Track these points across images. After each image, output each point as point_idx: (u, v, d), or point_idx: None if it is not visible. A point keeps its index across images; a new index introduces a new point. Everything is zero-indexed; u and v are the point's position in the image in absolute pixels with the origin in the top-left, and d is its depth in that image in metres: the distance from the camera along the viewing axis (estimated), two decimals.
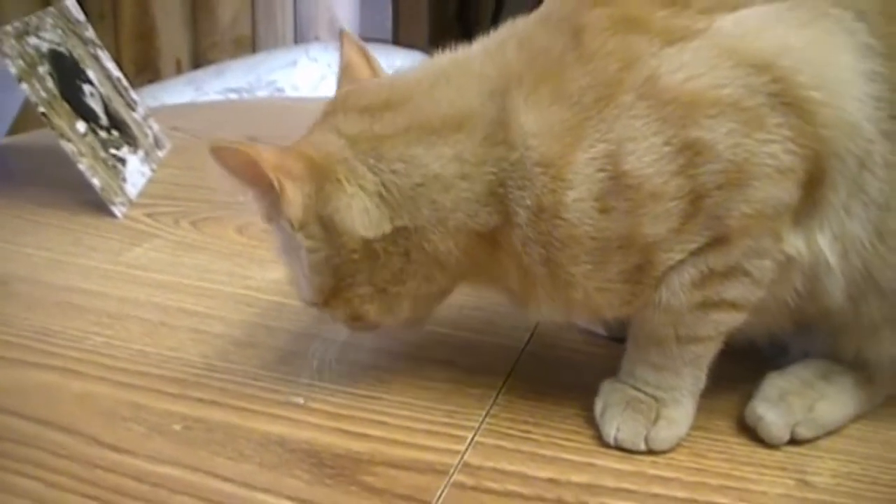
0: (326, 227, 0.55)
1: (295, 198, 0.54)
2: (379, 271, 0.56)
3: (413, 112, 0.55)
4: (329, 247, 0.55)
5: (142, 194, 0.94)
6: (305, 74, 2.21)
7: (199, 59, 2.51)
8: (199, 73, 2.33)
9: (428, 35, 2.65)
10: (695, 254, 0.52)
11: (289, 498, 0.52)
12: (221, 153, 0.54)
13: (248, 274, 0.77)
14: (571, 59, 0.52)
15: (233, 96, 2.18)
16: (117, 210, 0.90)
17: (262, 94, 2.18)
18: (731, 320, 0.55)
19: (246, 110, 1.35)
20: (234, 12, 2.54)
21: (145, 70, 2.53)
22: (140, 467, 0.55)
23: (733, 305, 0.54)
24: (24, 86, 0.87)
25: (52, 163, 0.95)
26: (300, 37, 2.49)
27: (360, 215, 0.54)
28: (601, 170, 0.50)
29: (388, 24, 2.48)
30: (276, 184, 0.53)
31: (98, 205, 0.90)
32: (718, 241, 0.52)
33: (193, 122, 1.20)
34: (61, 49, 0.97)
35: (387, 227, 0.55)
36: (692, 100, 0.49)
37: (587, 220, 0.51)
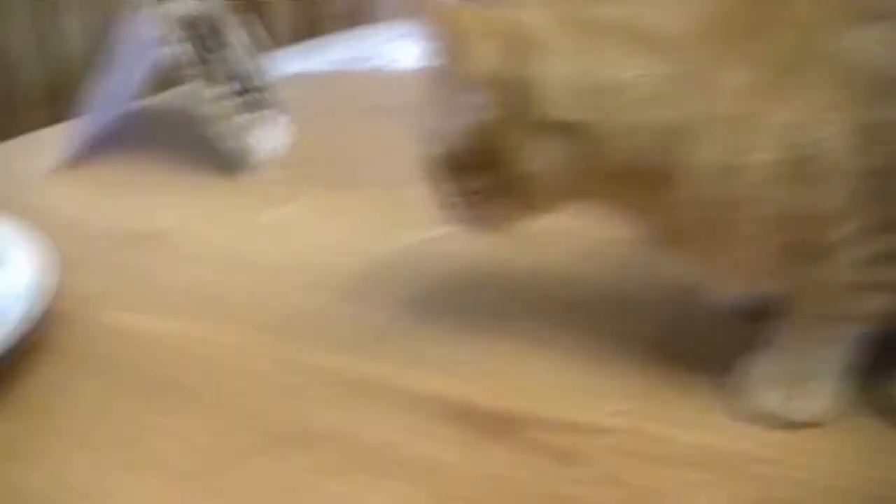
0: (510, 91, 0.53)
1: (482, 53, 0.53)
2: (539, 157, 0.54)
3: (621, 12, 0.53)
4: (502, 111, 0.53)
5: (274, 158, 0.95)
6: (412, 48, 2.22)
7: (312, 31, 2.52)
8: (305, 46, 2.35)
9: None
10: (869, 233, 0.51)
11: (443, 454, 0.53)
12: (428, 13, 0.53)
13: (390, 238, 0.78)
14: (783, 19, 0.51)
15: (338, 68, 2.20)
16: (251, 172, 0.92)
17: (366, 66, 2.20)
18: (889, 302, 0.53)
19: (370, 81, 1.36)
20: None
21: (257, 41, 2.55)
22: (300, 419, 0.56)
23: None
24: (164, 49, 0.90)
25: (189, 125, 0.97)
26: (411, 13, 2.49)
27: (556, 93, 0.52)
28: (789, 136, 0.49)
29: None
30: (463, 36, 0.53)
31: (233, 167, 0.92)
32: None
33: (317, 91, 1.21)
34: (198, 13, 0.99)
35: (575, 116, 0.53)
36: (880, 79, 0.48)
37: (765, 185, 0.50)
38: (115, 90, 1.00)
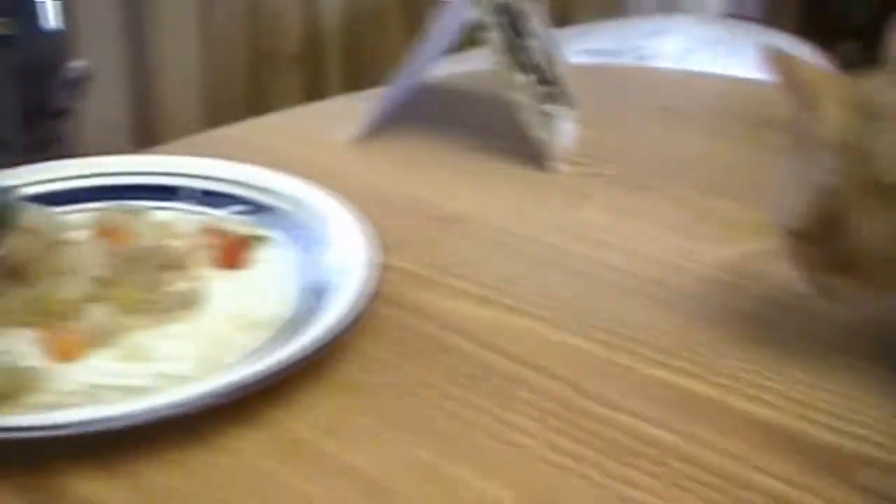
0: (855, 155, 0.54)
1: (829, 113, 0.55)
2: (883, 229, 0.55)
3: None
4: (852, 173, 0.55)
5: (572, 153, 0.95)
6: (671, 45, 2.19)
7: (562, 19, 2.52)
8: (564, 32, 2.34)
9: (798, 16, 2.56)
10: None
11: (782, 481, 0.52)
12: (772, 59, 0.56)
13: (698, 249, 0.77)
14: None
15: (596, 58, 2.19)
16: (555, 166, 0.92)
17: (626, 58, 2.18)
18: None
19: (660, 79, 1.34)
20: None
21: None
22: (633, 426, 0.56)
23: None
24: (487, 35, 0.90)
25: (486, 109, 0.98)
26: (665, 5, 2.47)
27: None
28: None
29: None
30: (810, 95, 0.55)
31: (535, 158, 0.92)
32: None
33: (605, 83, 1.21)
34: (506, 1, 0.99)
35: None
36: None
37: None
38: (421, 61, 1.02)
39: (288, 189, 0.75)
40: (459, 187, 0.88)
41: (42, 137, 1.04)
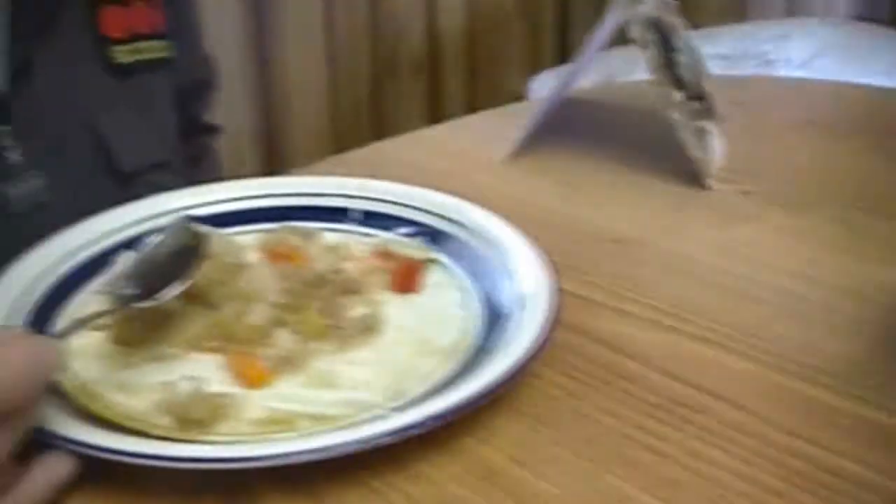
0: None
1: None
2: None
3: None
4: None
5: (725, 170, 0.95)
6: (798, 49, 2.15)
7: (687, 23, 2.49)
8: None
9: None
10: None
11: None
12: None
13: (864, 271, 0.76)
14: None
15: (721, 63, 2.16)
16: (710, 183, 0.91)
17: (750, 64, 2.16)
18: None
19: (799, 90, 1.33)
20: None
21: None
22: (817, 456, 0.55)
23: None
24: (644, 52, 0.90)
25: (632, 123, 0.98)
26: (791, 9, 2.43)
27: None
28: None
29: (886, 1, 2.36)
30: None
31: (690, 176, 0.92)
32: None
33: (748, 95, 1.19)
34: (658, 16, 0.99)
35: None
36: None
37: None
38: (569, 82, 1.03)
39: (453, 210, 0.76)
40: (618, 206, 0.88)
41: (195, 154, 1.07)
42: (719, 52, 2.23)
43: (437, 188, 0.80)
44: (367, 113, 2.34)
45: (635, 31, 0.91)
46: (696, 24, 2.41)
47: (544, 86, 2.24)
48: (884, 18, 2.32)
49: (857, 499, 0.52)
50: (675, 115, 0.91)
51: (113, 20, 0.89)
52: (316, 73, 2.25)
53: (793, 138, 1.05)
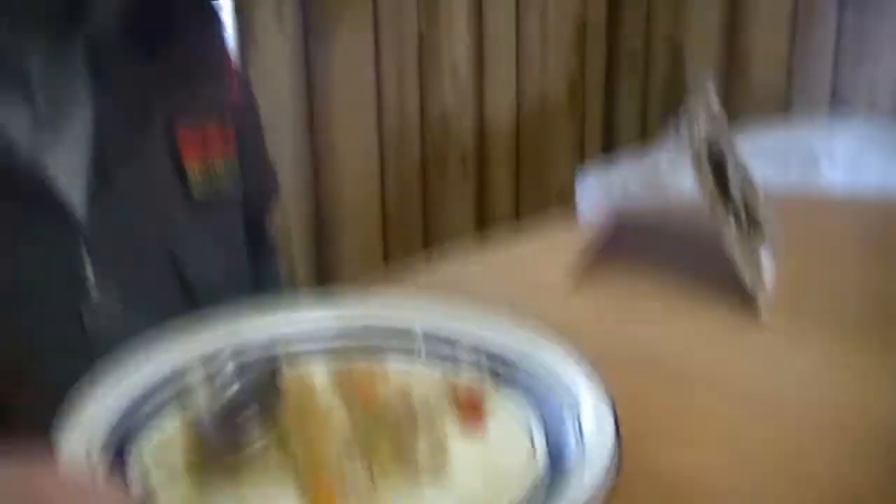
0: None
1: None
2: None
3: None
4: None
5: (778, 293, 0.96)
6: (841, 146, 2.17)
7: (731, 115, 2.52)
8: (733, 133, 2.35)
9: None
10: None
11: None
12: None
13: None
14: None
15: (765, 159, 2.19)
16: (763, 309, 0.93)
17: (794, 160, 2.18)
18: None
19: (844, 206, 1.34)
20: (770, 72, 2.54)
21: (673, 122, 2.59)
22: None
23: None
24: (699, 176, 0.93)
25: (695, 245, 0.99)
26: (836, 103, 2.45)
27: None
28: None
29: None
30: None
31: (746, 301, 0.93)
32: None
33: (795, 215, 1.21)
34: (712, 139, 1.02)
35: None
36: None
37: None
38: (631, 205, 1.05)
39: (516, 340, 0.77)
40: (676, 334, 0.90)
41: (260, 264, 1.09)
42: (764, 147, 2.25)
43: (496, 313, 0.81)
44: (415, 202, 2.39)
45: (692, 153, 0.93)
46: (739, 114, 2.45)
47: (589, 182, 2.28)
48: None
49: None
50: (731, 243, 0.93)
51: (190, 145, 0.92)
52: (367, 165, 2.30)
53: (843, 259, 1.06)
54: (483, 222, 2.53)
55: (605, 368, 0.74)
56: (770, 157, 2.19)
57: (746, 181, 1.06)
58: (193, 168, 0.92)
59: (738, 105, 2.57)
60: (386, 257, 2.36)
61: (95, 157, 0.85)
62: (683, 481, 0.68)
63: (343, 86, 2.23)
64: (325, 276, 2.26)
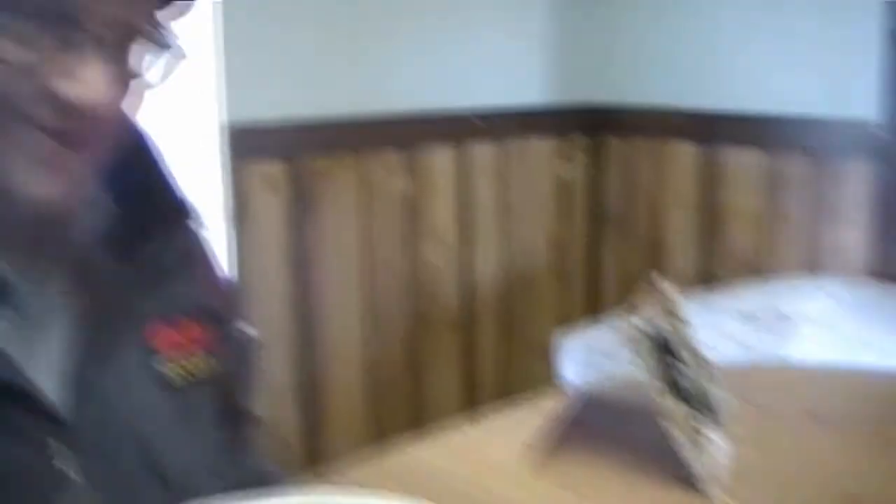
0: None
1: None
2: None
3: None
4: None
5: (726, 474, 1.01)
6: (818, 308, 2.24)
7: (705, 279, 2.60)
8: (710, 294, 2.42)
9: None
10: None
11: None
12: None
13: None
14: None
15: (741, 321, 2.25)
16: (709, 491, 0.98)
17: (770, 320, 2.24)
18: None
19: (802, 379, 1.40)
20: (744, 236, 2.61)
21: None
22: None
23: None
24: (635, 364, 0.99)
25: (647, 431, 1.05)
26: (808, 265, 2.53)
27: None
28: None
29: None
30: None
31: (688, 482, 0.98)
32: None
33: (747, 387, 1.27)
34: (661, 330, 1.08)
35: None
36: None
37: None
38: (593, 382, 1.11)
39: None
40: None
41: (238, 447, 1.13)
42: (740, 308, 2.32)
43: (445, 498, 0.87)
44: (405, 368, 2.44)
45: (632, 341, 1.00)
46: (718, 276, 2.52)
47: (572, 342, 2.33)
48: None
49: None
50: (671, 428, 0.99)
51: (168, 342, 0.97)
52: (355, 329, 2.36)
53: (793, 435, 1.11)
54: (470, 387, 2.59)
55: None
56: (747, 317, 2.26)
57: (702, 370, 1.12)
58: (171, 364, 0.96)
59: (718, 265, 2.65)
60: (377, 420, 2.41)
61: (73, 355, 0.89)
62: None
63: (332, 253, 2.31)
64: (314, 452, 2.31)
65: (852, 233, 2.48)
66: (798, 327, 2.20)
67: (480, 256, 2.59)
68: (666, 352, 1.08)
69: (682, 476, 0.99)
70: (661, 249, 2.76)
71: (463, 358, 2.52)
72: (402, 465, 1.08)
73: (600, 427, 1.16)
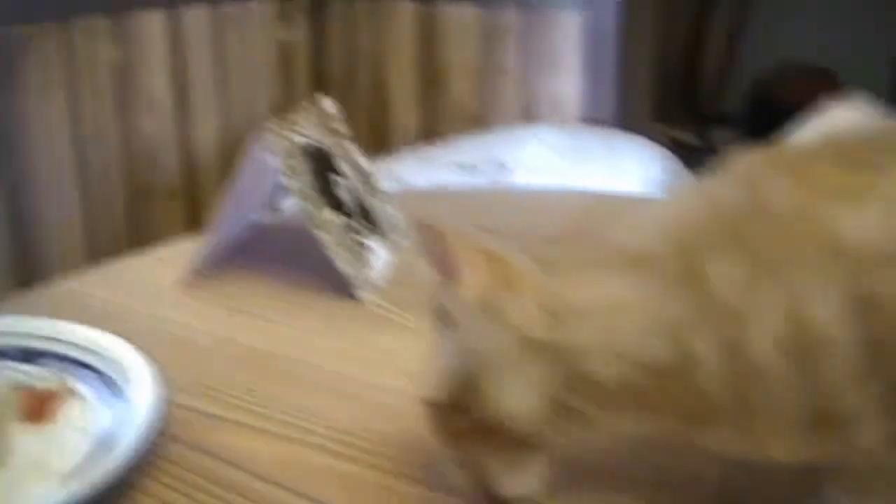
0: (490, 317, 0.59)
1: (469, 282, 0.59)
2: (525, 374, 0.59)
3: (601, 246, 0.61)
4: (485, 336, 0.59)
5: (385, 281, 1.03)
6: (533, 155, 2.30)
7: (429, 134, 2.63)
8: (430, 147, 2.45)
9: (652, 113, 2.69)
10: (885, 411, 0.54)
11: None
12: (423, 231, 0.60)
13: None
14: (753, 219, 0.56)
15: (461, 172, 2.29)
16: (364, 295, 0.99)
17: (488, 170, 2.29)
18: None
19: (486, 200, 1.43)
20: (464, 90, 2.65)
21: (379, 141, 2.68)
22: None
23: None
24: (283, 176, 0.99)
25: (307, 247, 1.05)
26: (526, 115, 2.59)
27: (523, 317, 0.58)
28: (781, 317, 0.54)
29: (612, 102, 2.54)
30: (455, 265, 0.59)
31: (346, 289, 0.99)
32: None
33: (433, 209, 1.28)
34: (317, 143, 1.08)
35: (545, 335, 0.58)
36: (870, 253, 0.52)
37: (767, 360, 0.54)
38: (241, 206, 1.10)
39: (93, 342, 0.82)
40: (270, 325, 0.95)
41: None
42: (459, 160, 2.36)
43: (108, 320, 0.86)
44: (125, 241, 2.38)
45: (278, 160, 0.99)
46: (441, 132, 2.55)
47: None
48: (608, 121, 2.50)
49: None
50: (321, 234, 0.99)
51: None
52: (70, 203, 2.28)
53: None
54: None
55: (188, 359, 0.83)
56: (466, 168, 2.30)
57: (360, 184, 1.13)
58: None
59: (441, 125, 2.68)
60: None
61: None
62: (234, 456, 0.72)
63: (38, 122, 2.21)
64: None
65: (565, 81, 2.55)
66: (513, 174, 2.25)
67: (199, 124, 2.53)
68: (327, 167, 1.08)
69: (338, 284, 0.99)
70: (386, 109, 2.77)
71: (187, 225, 2.48)
72: (57, 296, 1.05)
73: (264, 248, 1.15)
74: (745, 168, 0.60)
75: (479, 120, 2.60)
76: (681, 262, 0.57)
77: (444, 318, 0.62)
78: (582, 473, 0.67)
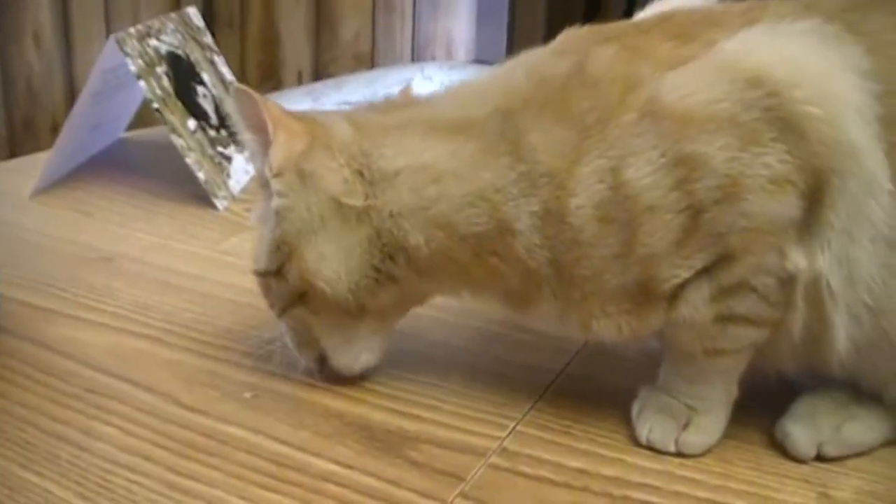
0: (304, 181, 0.59)
1: (283, 145, 0.59)
2: (341, 239, 0.59)
3: (419, 111, 0.61)
4: (300, 200, 0.59)
5: (244, 190, 1.01)
6: (421, 91, 2.27)
7: (319, 72, 2.59)
8: (318, 85, 2.41)
9: None
10: (706, 270, 0.55)
11: (337, 463, 0.58)
12: (240, 96, 0.60)
13: None
14: (576, 85, 0.56)
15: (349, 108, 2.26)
16: (219, 203, 0.97)
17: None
18: (750, 334, 0.58)
19: None
20: (355, 29, 2.61)
21: (269, 79, 2.64)
22: (210, 426, 0.61)
23: (747, 320, 0.56)
24: (142, 83, 0.95)
25: (166, 157, 1.03)
26: (417, 55, 2.56)
27: (337, 181, 0.59)
28: (601, 181, 0.54)
29: (503, 45, 2.53)
30: (270, 129, 0.59)
31: (203, 197, 0.97)
32: (724, 258, 0.54)
33: None
34: (179, 52, 1.05)
35: (359, 200, 0.58)
36: (689, 116, 0.52)
37: (588, 226, 0.55)
38: (98, 118, 1.06)
39: None
40: (123, 230, 0.93)
41: None
42: (348, 98, 2.33)
43: None
44: None
45: (136, 66, 0.96)
46: (332, 71, 2.51)
47: None
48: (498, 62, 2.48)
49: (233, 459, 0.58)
50: (181, 142, 0.97)
51: None
52: None
53: None
54: None
55: (37, 262, 0.82)
56: (351, 105, 2.27)
57: (220, 94, 1.10)
58: None
59: (331, 65, 2.64)
60: None
61: None
62: (67, 347, 0.70)
63: None
64: None
65: (458, 23, 2.53)
66: None
67: (80, 59, 2.46)
68: (192, 78, 1.05)
69: (198, 193, 0.97)
70: (276, 48, 2.71)
71: None
72: None
73: (128, 160, 1.13)
74: (575, 41, 0.60)
75: (370, 60, 2.57)
76: (502, 129, 0.57)
77: (264, 186, 0.61)
78: None
